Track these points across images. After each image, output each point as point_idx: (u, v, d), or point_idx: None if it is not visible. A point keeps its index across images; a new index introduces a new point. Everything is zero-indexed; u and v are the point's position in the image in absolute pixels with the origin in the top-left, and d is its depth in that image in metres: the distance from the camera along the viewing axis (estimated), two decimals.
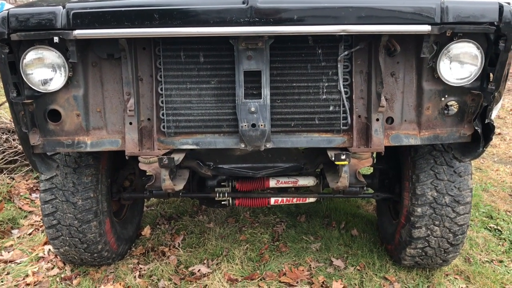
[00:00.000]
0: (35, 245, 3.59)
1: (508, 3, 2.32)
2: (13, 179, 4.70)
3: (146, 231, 3.78)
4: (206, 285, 3.08)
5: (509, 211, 4.23)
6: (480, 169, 5.39)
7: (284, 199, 3.28)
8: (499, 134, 6.83)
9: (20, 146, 5.00)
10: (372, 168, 3.46)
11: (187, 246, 3.59)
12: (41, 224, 3.91)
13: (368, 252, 3.48)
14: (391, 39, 2.24)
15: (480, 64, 2.25)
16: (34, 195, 4.53)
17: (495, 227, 3.92)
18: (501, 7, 2.14)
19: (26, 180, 4.80)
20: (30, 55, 2.19)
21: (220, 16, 2.09)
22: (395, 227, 3.24)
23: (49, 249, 3.45)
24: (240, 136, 2.38)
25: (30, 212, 4.18)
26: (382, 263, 3.35)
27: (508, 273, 3.28)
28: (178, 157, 2.47)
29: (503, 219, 4.05)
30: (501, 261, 3.43)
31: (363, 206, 4.34)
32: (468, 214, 2.89)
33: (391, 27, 2.11)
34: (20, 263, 3.35)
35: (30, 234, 3.80)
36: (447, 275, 3.24)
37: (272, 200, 3.26)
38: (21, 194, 4.46)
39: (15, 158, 4.92)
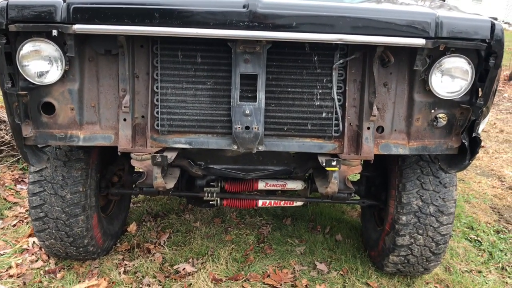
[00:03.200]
0: (19, 237, 3.57)
1: (495, 19, 2.39)
2: None
3: (132, 227, 3.77)
4: (191, 284, 3.10)
5: (489, 223, 4.32)
6: (463, 180, 5.49)
7: (272, 201, 3.31)
8: (483, 147, 6.96)
9: (6, 136, 4.96)
10: (359, 175, 3.51)
11: (173, 244, 3.60)
12: (26, 216, 3.88)
13: (352, 258, 3.53)
14: (385, 50, 2.29)
15: (471, 79, 2.31)
16: (19, 186, 4.49)
17: (476, 238, 4.01)
18: (493, 25, 2.20)
19: (12, 171, 4.75)
20: (27, 47, 2.19)
21: (220, 18, 2.11)
22: (379, 234, 3.30)
23: (34, 242, 3.43)
24: (233, 138, 2.40)
25: (15, 203, 4.14)
26: (364, 269, 3.40)
27: (486, 283, 3.36)
28: (171, 156, 2.49)
29: (483, 231, 4.14)
30: (480, 272, 3.51)
31: (348, 212, 4.39)
32: (451, 224, 2.96)
33: (387, 39, 2.16)
34: (3, 255, 3.32)
35: (14, 225, 3.77)
36: (427, 283, 3.31)
37: (260, 202, 3.29)
38: (6, 184, 4.42)
39: (1, 148, 4.87)
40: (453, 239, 3.93)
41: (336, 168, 2.43)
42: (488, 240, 3.98)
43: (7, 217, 3.91)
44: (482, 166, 6.11)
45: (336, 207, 4.41)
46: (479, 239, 3.99)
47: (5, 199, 4.17)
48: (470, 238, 4.01)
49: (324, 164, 2.43)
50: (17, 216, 3.91)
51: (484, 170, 5.98)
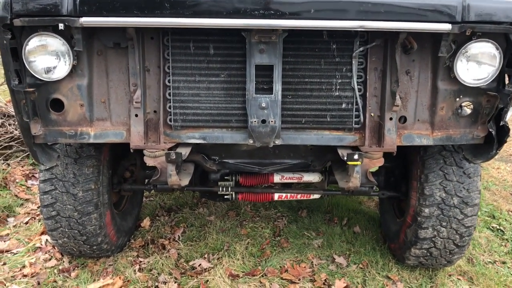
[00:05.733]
0: (32, 235, 3.52)
1: None
2: (9, 165, 4.61)
3: (146, 222, 3.71)
4: (207, 280, 3.03)
5: (511, 211, 4.20)
6: (481, 167, 5.34)
7: (289, 195, 3.22)
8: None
9: (15, 131, 4.90)
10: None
11: (187, 239, 3.54)
12: (38, 212, 3.84)
13: (371, 250, 3.44)
14: (408, 36, 2.17)
15: (498, 64, 2.18)
16: (30, 181, 4.45)
17: (498, 227, 3.90)
18: None
19: (22, 167, 4.71)
20: (33, 42, 2.10)
21: (234, 7, 2.00)
22: (399, 226, 3.20)
23: (47, 240, 3.37)
24: (249, 132, 2.31)
25: (27, 200, 4.10)
26: (385, 262, 3.31)
27: (511, 274, 3.25)
28: (185, 152, 2.40)
29: (505, 219, 4.03)
30: (504, 262, 3.41)
31: (365, 202, 4.30)
32: (475, 215, 2.85)
33: (411, 25, 2.04)
34: (16, 253, 3.27)
35: (26, 223, 3.72)
36: (450, 275, 3.22)
37: (276, 196, 3.21)
38: (17, 181, 4.37)
39: (10, 144, 4.82)
40: (475, 229, 3.82)
41: (358, 162, 2.32)
42: (511, 229, 3.86)
43: (19, 214, 3.86)
44: (501, 152, 5.90)
45: (352, 198, 4.31)
46: (501, 228, 3.89)
47: (16, 195, 4.12)
48: (492, 227, 3.90)
49: (345, 158, 2.32)
50: (29, 213, 3.87)
51: (502, 155, 5.85)
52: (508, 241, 3.69)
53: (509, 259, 3.46)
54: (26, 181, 4.46)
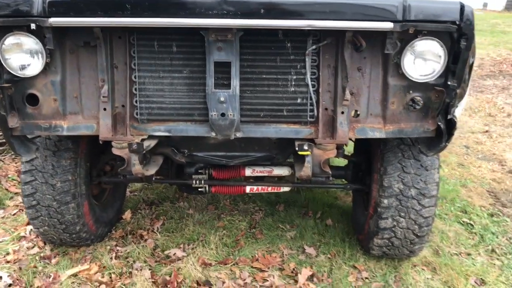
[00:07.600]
0: (18, 225, 3.70)
1: None
2: (2, 161, 4.80)
3: (127, 215, 3.87)
4: (180, 267, 3.18)
5: (484, 207, 4.32)
6: (463, 165, 5.47)
7: (260, 187, 3.37)
8: (487, 131, 6.89)
9: None
10: (346, 160, 3.54)
11: (165, 230, 3.70)
12: None
13: (340, 241, 3.58)
14: (356, 35, 2.31)
15: (444, 61, 2.32)
16: None
17: (468, 221, 4.01)
18: (462, 7, 2.21)
19: (16, 163, 4.89)
20: (9, 41, 2.27)
21: (191, 7, 2.16)
22: (366, 217, 3.34)
23: (31, 229, 3.55)
24: (210, 125, 2.46)
25: (17, 193, 4.27)
26: (352, 252, 3.45)
27: (474, 265, 3.38)
28: (149, 143, 2.56)
29: (477, 214, 4.14)
30: (469, 254, 3.53)
31: (341, 197, 4.43)
32: (433, 207, 2.98)
33: (355, 24, 2.19)
34: (1, 242, 3.45)
35: (14, 214, 3.91)
36: (414, 265, 3.35)
37: (248, 188, 3.36)
38: (9, 175, 4.56)
39: (3, 140, 5.01)
40: (445, 223, 3.95)
41: (308, 152, 2.47)
42: (481, 223, 3.98)
43: (8, 206, 4.05)
44: (484, 151, 6.06)
45: (329, 193, 4.45)
46: (471, 222, 4.00)
47: (6, 189, 4.31)
48: (463, 221, 4.02)
49: (296, 149, 2.47)
50: (17, 206, 4.05)
51: (486, 154, 5.94)
52: (476, 235, 3.81)
53: (474, 251, 3.58)
54: (18, 176, 4.63)
